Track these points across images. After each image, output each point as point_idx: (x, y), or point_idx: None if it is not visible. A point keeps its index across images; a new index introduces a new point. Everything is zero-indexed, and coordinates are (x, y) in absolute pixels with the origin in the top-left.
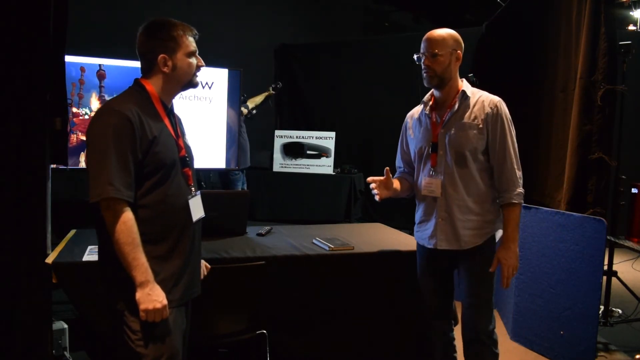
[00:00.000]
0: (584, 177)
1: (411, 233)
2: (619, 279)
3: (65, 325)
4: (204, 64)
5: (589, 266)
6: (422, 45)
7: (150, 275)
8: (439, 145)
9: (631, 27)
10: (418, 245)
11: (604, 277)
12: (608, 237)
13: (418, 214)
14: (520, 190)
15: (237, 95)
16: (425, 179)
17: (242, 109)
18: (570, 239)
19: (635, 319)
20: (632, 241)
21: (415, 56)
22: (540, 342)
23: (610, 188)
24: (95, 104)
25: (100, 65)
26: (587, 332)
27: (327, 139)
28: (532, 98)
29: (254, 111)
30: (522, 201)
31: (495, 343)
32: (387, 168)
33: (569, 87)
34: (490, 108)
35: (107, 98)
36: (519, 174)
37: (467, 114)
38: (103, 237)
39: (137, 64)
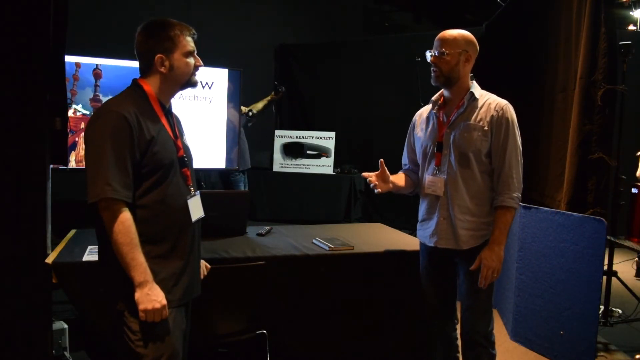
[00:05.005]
0: (584, 177)
1: (411, 233)
2: (619, 279)
3: (65, 325)
4: (202, 63)
5: (588, 266)
6: (434, 44)
7: (149, 275)
8: (444, 145)
9: (631, 27)
10: (420, 243)
11: (604, 277)
12: (608, 237)
13: (421, 212)
14: (516, 194)
15: (237, 95)
16: (428, 178)
17: (242, 107)
18: (570, 239)
19: (635, 319)
20: (632, 241)
21: (427, 53)
22: (540, 342)
23: (610, 188)
24: (88, 103)
25: (97, 64)
26: (587, 332)
27: (327, 139)
28: (532, 98)
29: (254, 118)
30: (517, 206)
31: (492, 345)
32: (382, 160)
33: (569, 87)
34: (496, 111)
35: (102, 97)
36: (517, 178)
37: (474, 115)
38: (103, 237)
39: (134, 63)
